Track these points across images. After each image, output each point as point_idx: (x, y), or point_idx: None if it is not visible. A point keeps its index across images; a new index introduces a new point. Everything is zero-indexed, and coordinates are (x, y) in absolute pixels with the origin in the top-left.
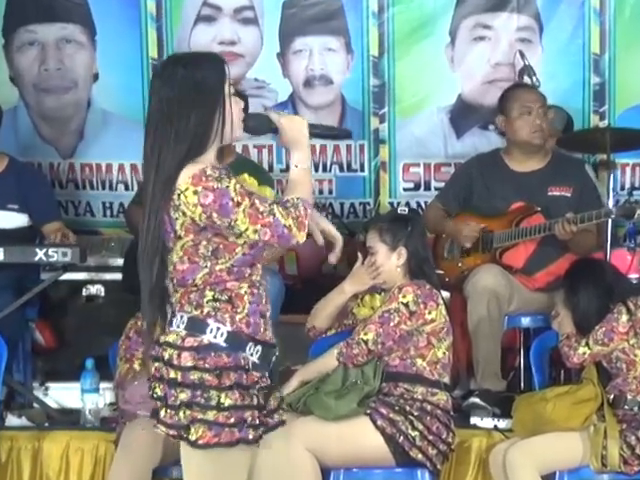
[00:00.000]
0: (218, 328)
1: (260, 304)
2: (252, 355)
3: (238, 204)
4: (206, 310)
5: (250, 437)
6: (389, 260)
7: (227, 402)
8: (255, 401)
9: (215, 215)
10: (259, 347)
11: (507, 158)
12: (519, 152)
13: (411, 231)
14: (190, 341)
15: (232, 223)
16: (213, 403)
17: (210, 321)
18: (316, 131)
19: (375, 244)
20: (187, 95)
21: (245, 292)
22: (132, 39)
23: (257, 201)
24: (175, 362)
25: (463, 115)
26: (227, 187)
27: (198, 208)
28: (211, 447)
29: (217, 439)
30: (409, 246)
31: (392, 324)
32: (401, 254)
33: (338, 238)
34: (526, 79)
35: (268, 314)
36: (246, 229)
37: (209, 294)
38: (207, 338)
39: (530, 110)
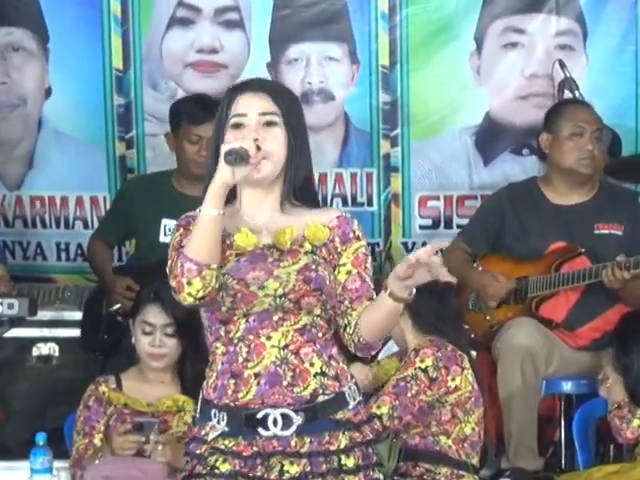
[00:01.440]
0: (199, 396)
1: (234, 363)
2: (219, 423)
3: (168, 260)
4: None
5: None
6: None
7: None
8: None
9: None
10: (224, 413)
11: (546, 188)
12: (562, 181)
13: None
14: None
15: None
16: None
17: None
18: (229, 158)
19: None
20: None
21: (221, 352)
22: (92, 46)
23: (174, 256)
24: None
25: (491, 137)
26: (170, 241)
27: None
28: None
29: None
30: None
31: (409, 394)
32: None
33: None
34: (567, 94)
35: (249, 373)
36: None
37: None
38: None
39: (583, 132)
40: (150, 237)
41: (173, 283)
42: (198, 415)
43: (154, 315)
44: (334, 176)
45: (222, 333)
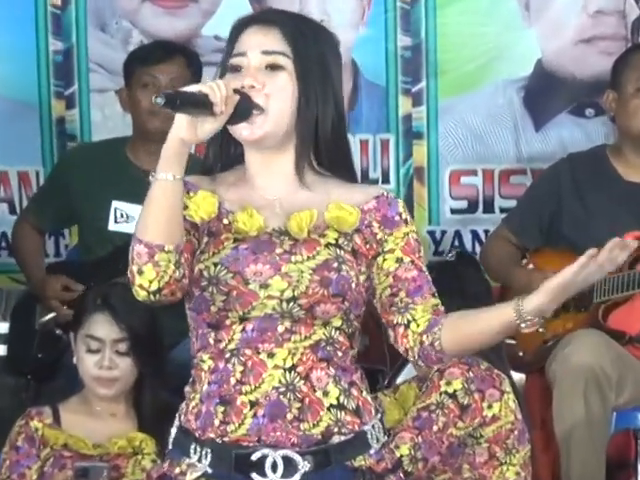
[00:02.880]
0: (175, 422)
1: (225, 384)
2: (200, 461)
3: None
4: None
5: None
6: None
7: None
8: None
9: None
10: (207, 450)
11: (617, 161)
12: (634, 152)
13: (463, 285)
14: None
15: None
16: None
17: (177, 415)
18: (179, 104)
19: None
20: None
21: (208, 367)
22: None
23: None
24: None
25: (545, 93)
26: None
27: None
28: None
29: None
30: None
31: (435, 428)
32: None
33: None
34: None
35: (243, 400)
36: None
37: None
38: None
39: None
40: (97, 224)
41: (128, 274)
42: (171, 446)
43: (102, 327)
44: None
45: (211, 341)
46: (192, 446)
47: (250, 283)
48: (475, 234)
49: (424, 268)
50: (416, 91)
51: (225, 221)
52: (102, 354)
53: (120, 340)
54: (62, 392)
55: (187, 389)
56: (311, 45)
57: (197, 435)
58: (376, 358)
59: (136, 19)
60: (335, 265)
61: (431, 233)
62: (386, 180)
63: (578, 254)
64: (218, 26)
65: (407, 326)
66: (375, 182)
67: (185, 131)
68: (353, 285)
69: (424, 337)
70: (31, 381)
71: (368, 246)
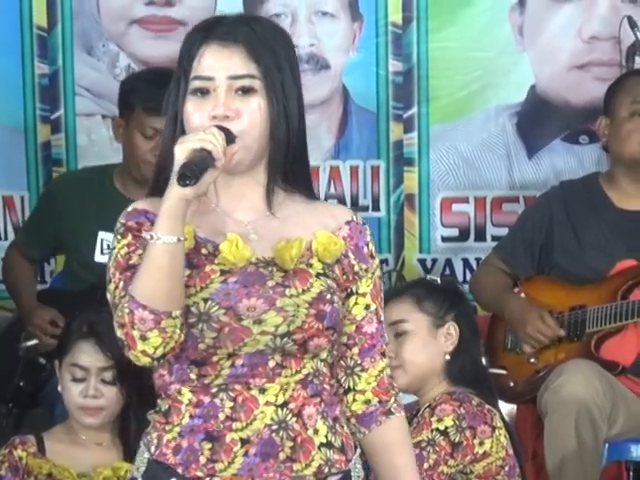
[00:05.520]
0: (143, 453)
1: (212, 419)
2: None
3: (109, 280)
4: (149, 427)
5: None
6: (432, 343)
7: None
8: None
9: None
10: None
11: (610, 188)
12: (628, 178)
13: (461, 304)
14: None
15: None
16: None
17: (141, 444)
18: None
19: (408, 315)
20: None
21: (189, 401)
22: None
23: (121, 283)
24: None
25: (538, 120)
26: (113, 248)
27: None
28: None
29: None
30: (461, 324)
31: (426, 466)
32: (450, 333)
33: None
34: (638, 61)
35: (233, 437)
36: None
37: (157, 402)
38: (132, 472)
39: None
40: (82, 255)
41: (120, 334)
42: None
43: (88, 356)
44: (328, 170)
45: (192, 376)
46: None
47: (243, 319)
48: (466, 262)
49: (382, 317)
50: (407, 117)
51: (204, 251)
52: (87, 383)
53: (106, 369)
54: (46, 421)
55: (156, 418)
56: (275, 57)
57: (179, 471)
58: None
59: (123, 42)
60: (329, 297)
61: (422, 261)
62: (376, 207)
63: (571, 283)
64: None
65: (346, 391)
66: (365, 209)
67: (187, 190)
68: (341, 316)
69: (352, 419)
70: (13, 409)
71: (345, 277)
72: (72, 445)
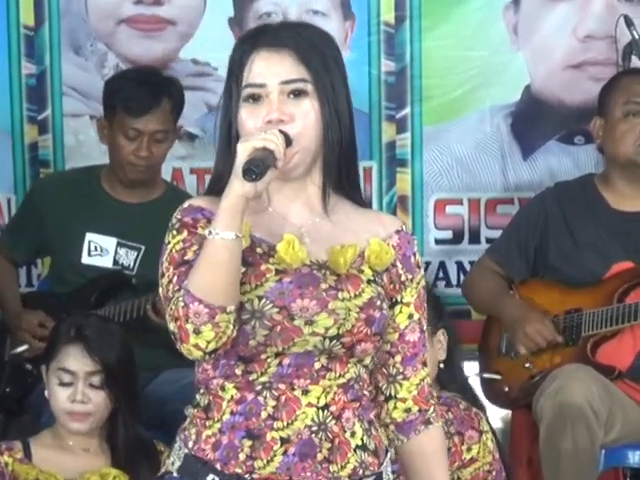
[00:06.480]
0: (180, 449)
1: (254, 417)
2: None
3: (162, 274)
4: (186, 422)
5: None
6: (429, 350)
7: None
8: None
9: None
10: None
11: (606, 190)
12: (623, 179)
13: (444, 310)
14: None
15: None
16: None
17: (177, 439)
18: (251, 173)
19: None
20: None
21: (232, 397)
22: None
23: (175, 278)
24: None
25: (533, 120)
26: (167, 243)
27: None
28: None
29: None
30: (448, 332)
31: None
32: (440, 340)
33: None
34: (635, 61)
35: (274, 436)
36: None
37: (196, 397)
38: (165, 466)
39: None
40: (69, 257)
41: (172, 327)
42: (176, 474)
43: (75, 360)
44: None
45: (238, 372)
46: (210, 477)
47: (296, 319)
48: (460, 265)
49: (424, 327)
50: (400, 117)
51: (259, 250)
52: (75, 387)
53: (94, 373)
54: (33, 427)
55: (195, 413)
56: (323, 59)
57: (218, 467)
58: None
59: (111, 42)
60: (378, 303)
61: None
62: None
63: (566, 286)
64: (196, 49)
65: (387, 399)
66: None
67: (249, 188)
68: (387, 323)
69: (391, 427)
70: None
71: (392, 286)
72: (59, 451)
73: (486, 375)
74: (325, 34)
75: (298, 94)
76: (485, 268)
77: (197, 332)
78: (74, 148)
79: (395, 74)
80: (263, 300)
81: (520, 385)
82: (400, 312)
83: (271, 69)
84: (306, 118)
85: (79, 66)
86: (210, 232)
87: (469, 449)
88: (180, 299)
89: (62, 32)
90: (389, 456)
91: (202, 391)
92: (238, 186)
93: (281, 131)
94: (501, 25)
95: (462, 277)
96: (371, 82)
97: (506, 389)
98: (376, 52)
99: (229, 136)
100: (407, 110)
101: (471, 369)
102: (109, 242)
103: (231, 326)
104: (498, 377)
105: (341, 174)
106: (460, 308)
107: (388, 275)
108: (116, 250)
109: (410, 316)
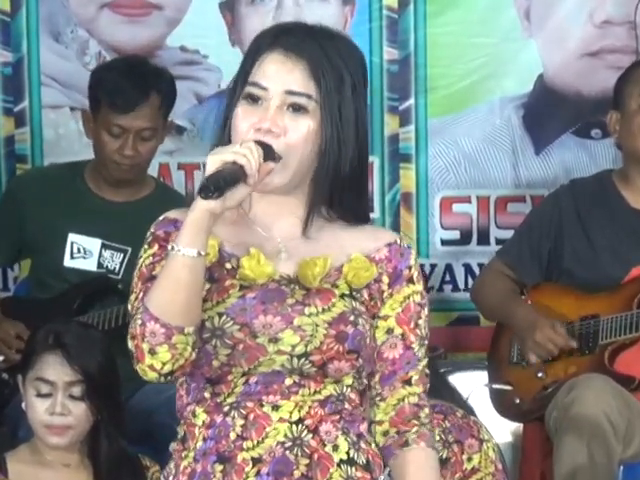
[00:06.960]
0: None
1: (223, 440)
2: None
3: (131, 290)
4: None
5: None
6: None
7: None
8: None
9: None
10: None
11: (624, 187)
12: None
13: None
14: None
15: None
16: None
17: (162, 477)
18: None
19: None
20: None
21: (203, 422)
22: None
23: (141, 294)
24: None
25: (547, 112)
26: (140, 257)
27: None
28: None
29: None
30: None
31: None
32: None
33: None
34: None
35: (244, 457)
36: None
37: (177, 429)
38: None
39: None
40: (50, 259)
41: (130, 345)
42: None
43: (54, 369)
44: None
45: (207, 395)
46: None
47: (259, 336)
48: (468, 268)
49: (415, 344)
50: (403, 109)
51: (228, 266)
52: (54, 399)
53: (74, 383)
54: (9, 441)
55: (175, 447)
56: (338, 78)
57: None
58: None
59: (93, 28)
60: (352, 318)
61: (420, 267)
62: (370, 208)
63: (582, 290)
64: (184, 36)
65: (371, 423)
66: None
67: (214, 204)
68: (367, 340)
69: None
70: None
71: (372, 303)
72: (37, 466)
73: (496, 386)
74: (356, 53)
75: (298, 109)
76: (495, 271)
77: (152, 352)
78: (53, 142)
79: (398, 63)
80: (224, 317)
81: (532, 396)
82: (377, 327)
83: (279, 75)
84: (298, 136)
85: (59, 54)
86: (172, 247)
87: (470, 459)
88: (139, 317)
89: (40, 17)
90: (387, 472)
91: (181, 422)
92: (201, 201)
93: (264, 143)
94: (512, 10)
95: (470, 280)
96: (372, 71)
97: (517, 401)
98: (378, 39)
99: (223, 132)
100: (411, 101)
101: (480, 379)
102: (93, 243)
103: (189, 348)
104: (509, 388)
105: (333, 200)
106: (468, 314)
107: (368, 291)
108: (100, 252)
109: (388, 331)
